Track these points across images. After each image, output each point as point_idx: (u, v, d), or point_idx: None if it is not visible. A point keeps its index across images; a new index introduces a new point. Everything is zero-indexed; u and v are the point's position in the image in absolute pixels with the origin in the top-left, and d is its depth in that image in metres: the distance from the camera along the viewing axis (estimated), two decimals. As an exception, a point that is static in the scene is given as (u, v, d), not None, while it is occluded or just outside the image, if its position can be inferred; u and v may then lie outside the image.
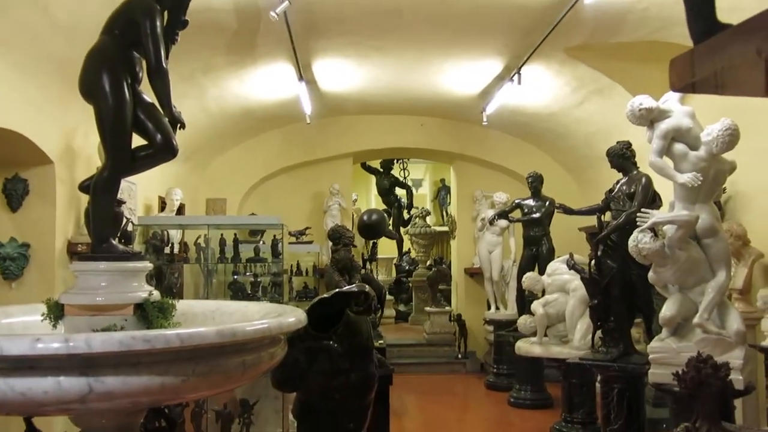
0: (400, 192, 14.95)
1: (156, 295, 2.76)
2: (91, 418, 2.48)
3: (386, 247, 14.42)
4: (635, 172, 5.46)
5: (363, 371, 3.29)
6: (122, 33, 2.90)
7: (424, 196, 16.48)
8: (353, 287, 3.53)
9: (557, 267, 6.71)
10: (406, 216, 14.71)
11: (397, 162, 14.72)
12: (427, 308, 10.94)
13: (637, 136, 5.08)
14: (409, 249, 14.66)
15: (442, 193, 15.38)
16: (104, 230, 2.84)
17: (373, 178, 15.09)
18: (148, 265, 2.89)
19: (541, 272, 7.22)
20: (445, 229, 13.00)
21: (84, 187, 3.10)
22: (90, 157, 5.81)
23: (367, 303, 3.39)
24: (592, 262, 5.45)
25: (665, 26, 5.52)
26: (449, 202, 13.68)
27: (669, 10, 5.08)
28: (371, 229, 6.43)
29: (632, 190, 5.33)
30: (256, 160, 10.00)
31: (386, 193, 14.72)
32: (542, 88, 7.76)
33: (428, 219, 14.27)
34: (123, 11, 2.94)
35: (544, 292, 6.80)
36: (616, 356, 5.16)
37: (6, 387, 1.97)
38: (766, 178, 5.20)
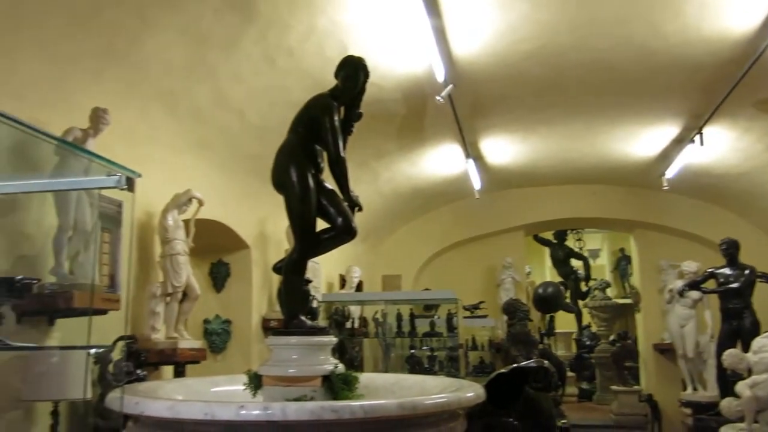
0: (576, 263, 14.38)
1: (341, 368, 2.94)
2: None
3: (564, 321, 13.80)
4: None
5: (545, 452, 3.15)
6: (306, 130, 3.27)
7: (602, 267, 15.64)
8: (531, 362, 3.45)
9: (765, 343, 5.94)
10: (584, 288, 14.07)
11: (571, 232, 14.23)
12: (614, 387, 10.21)
13: None
14: (589, 323, 13.85)
15: (622, 263, 14.49)
16: (294, 307, 3.11)
17: (546, 250, 14.72)
18: (333, 339, 3.10)
19: (745, 349, 6.44)
20: (628, 301, 12.17)
21: (276, 268, 3.44)
22: (280, 241, 6.42)
23: (546, 379, 3.29)
24: (809, 337, 4.77)
25: None
26: (631, 273, 12.86)
27: None
28: (547, 302, 6.28)
29: None
30: (428, 236, 10.27)
31: (561, 264, 14.25)
32: (729, 146, 7.19)
33: (608, 291, 13.48)
34: (305, 111, 3.33)
35: (750, 372, 6.03)
36: None
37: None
38: None
